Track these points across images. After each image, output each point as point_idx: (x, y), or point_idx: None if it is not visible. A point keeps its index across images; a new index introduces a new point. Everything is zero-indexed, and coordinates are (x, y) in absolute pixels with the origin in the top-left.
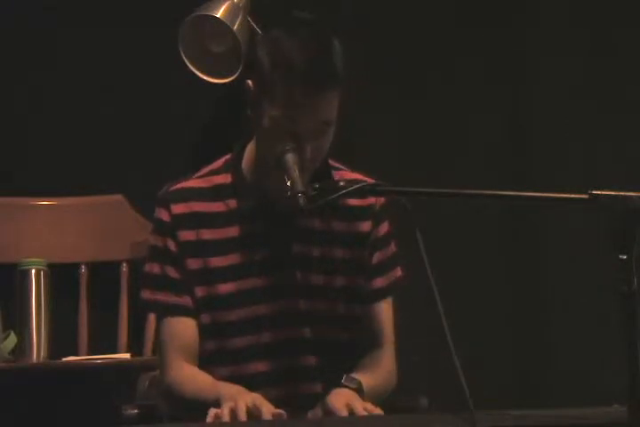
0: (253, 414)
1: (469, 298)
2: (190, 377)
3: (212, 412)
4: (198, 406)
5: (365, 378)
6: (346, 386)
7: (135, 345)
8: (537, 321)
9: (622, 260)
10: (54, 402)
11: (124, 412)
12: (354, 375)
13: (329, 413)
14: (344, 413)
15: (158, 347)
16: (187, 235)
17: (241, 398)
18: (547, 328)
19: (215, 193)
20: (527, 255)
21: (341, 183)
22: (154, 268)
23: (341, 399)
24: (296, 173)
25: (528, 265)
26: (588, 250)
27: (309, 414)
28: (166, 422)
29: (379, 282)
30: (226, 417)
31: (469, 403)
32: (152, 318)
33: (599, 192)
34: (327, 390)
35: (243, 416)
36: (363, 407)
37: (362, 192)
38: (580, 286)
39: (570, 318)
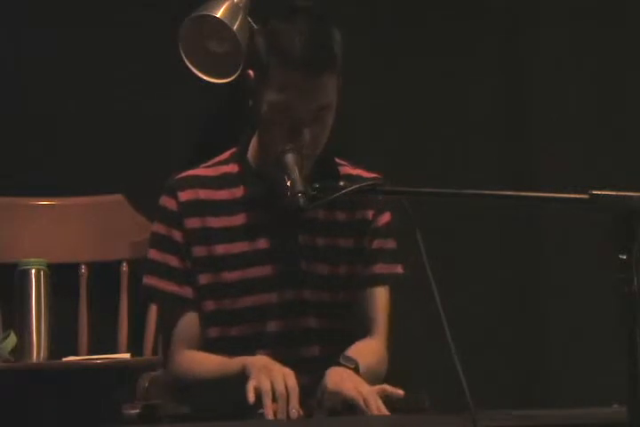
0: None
1: (470, 298)
2: (200, 359)
3: (251, 387)
4: (213, 386)
5: (360, 359)
6: (344, 365)
7: (135, 345)
8: (537, 321)
9: (622, 260)
10: (54, 402)
11: (125, 412)
12: (350, 355)
13: (334, 396)
14: (359, 398)
15: (162, 337)
16: (193, 222)
17: (277, 381)
18: (547, 328)
19: (222, 182)
20: (527, 255)
21: (341, 183)
22: (156, 255)
23: (348, 384)
24: (296, 173)
25: (528, 265)
26: (588, 250)
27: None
28: (166, 422)
29: (377, 268)
30: (268, 393)
31: (469, 403)
32: (152, 317)
33: (599, 192)
34: None
35: (283, 406)
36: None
37: (362, 192)
38: (580, 286)
39: (570, 317)
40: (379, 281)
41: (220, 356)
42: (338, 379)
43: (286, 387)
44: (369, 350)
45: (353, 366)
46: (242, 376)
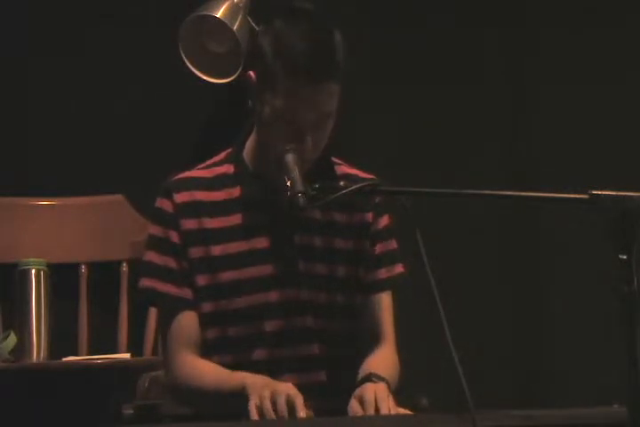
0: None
1: (469, 298)
2: (200, 368)
3: (253, 406)
4: (215, 398)
5: (384, 374)
6: (375, 382)
7: (135, 345)
8: (537, 321)
9: (622, 260)
10: (54, 402)
11: (124, 412)
12: (378, 373)
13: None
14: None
15: (162, 339)
16: (189, 223)
17: (278, 391)
18: (547, 328)
19: (218, 182)
20: (527, 255)
21: (341, 183)
22: (154, 257)
23: (385, 400)
24: (296, 173)
25: (528, 265)
26: (588, 250)
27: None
28: (166, 422)
29: (381, 273)
30: (269, 412)
31: (469, 403)
32: (152, 318)
33: (599, 192)
34: (330, 379)
35: (283, 410)
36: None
37: (362, 192)
38: (580, 286)
39: (570, 317)
40: (384, 286)
41: (221, 368)
42: (372, 396)
43: (288, 400)
44: (388, 363)
45: (384, 383)
46: (240, 395)
